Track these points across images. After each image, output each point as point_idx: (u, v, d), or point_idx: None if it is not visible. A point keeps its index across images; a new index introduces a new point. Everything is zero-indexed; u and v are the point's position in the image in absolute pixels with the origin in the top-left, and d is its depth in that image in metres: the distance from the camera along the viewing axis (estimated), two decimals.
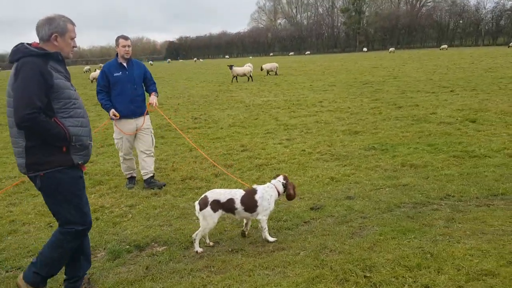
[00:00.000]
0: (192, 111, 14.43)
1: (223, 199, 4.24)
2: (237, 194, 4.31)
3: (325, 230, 4.59)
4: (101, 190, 6.29)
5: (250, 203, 4.29)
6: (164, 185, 6.36)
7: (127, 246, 4.42)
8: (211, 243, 4.42)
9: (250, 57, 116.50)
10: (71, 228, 3.30)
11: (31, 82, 2.96)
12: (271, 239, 4.41)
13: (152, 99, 6.37)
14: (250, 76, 26.38)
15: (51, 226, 5.02)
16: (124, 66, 6.26)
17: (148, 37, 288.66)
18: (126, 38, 6.28)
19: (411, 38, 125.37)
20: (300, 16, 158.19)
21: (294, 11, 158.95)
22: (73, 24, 3.30)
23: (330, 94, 16.92)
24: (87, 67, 57.87)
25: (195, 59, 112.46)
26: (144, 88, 6.50)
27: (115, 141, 6.45)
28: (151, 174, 6.42)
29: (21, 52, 3.07)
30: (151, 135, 6.51)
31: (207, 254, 4.20)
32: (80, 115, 3.30)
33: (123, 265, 4.07)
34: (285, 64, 50.04)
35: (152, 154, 6.50)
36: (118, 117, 6.11)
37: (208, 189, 5.07)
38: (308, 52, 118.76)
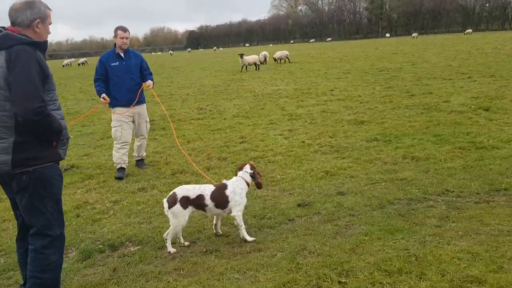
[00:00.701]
0: (200, 101, 14.23)
1: (192, 195, 4.01)
2: (206, 189, 4.08)
3: (308, 229, 4.32)
4: (89, 185, 6.14)
5: (221, 198, 4.06)
6: (147, 167, 6.89)
7: (100, 246, 4.25)
8: (186, 243, 4.21)
9: (270, 45, 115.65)
10: (51, 233, 2.99)
11: (32, 72, 2.73)
12: (249, 238, 4.17)
13: (148, 82, 6.51)
14: (258, 65, 26.23)
15: None
16: (122, 56, 6.42)
17: (170, 27, 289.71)
18: (124, 30, 6.40)
19: (436, 23, 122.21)
20: (321, 2, 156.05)
21: None
22: (50, 9, 3.06)
23: (343, 82, 16.48)
24: (67, 61, 55.81)
25: (214, 48, 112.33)
26: (141, 77, 6.61)
27: (113, 129, 6.50)
28: (140, 158, 6.95)
29: (11, 39, 2.78)
30: (146, 123, 6.82)
31: (180, 255, 3.99)
32: (60, 107, 3.10)
33: (92, 266, 3.90)
34: (304, 52, 49.42)
35: (145, 142, 6.94)
36: (107, 101, 6.24)
37: (197, 183, 4.95)
38: (329, 39, 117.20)
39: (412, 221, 4.29)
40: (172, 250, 4.04)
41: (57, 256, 3.05)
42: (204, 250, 4.04)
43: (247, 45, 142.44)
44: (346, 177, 5.79)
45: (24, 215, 2.97)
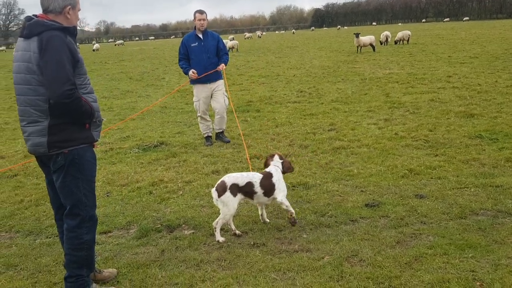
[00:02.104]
0: (303, 83, 13.97)
1: (241, 183, 3.96)
2: (255, 177, 4.04)
3: (368, 233, 3.95)
4: (170, 163, 6.38)
5: (268, 186, 4.05)
6: (229, 142, 7.33)
7: (159, 226, 4.38)
8: (237, 232, 4.13)
9: (399, 24, 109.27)
10: (82, 213, 3.10)
11: (63, 57, 2.84)
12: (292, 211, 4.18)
13: (221, 65, 7.09)
14: (374, 46, 24.51)
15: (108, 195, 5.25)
16: (200, 38, 7.06)
17: (296, 5, 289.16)
18: (201, 12, 7.03)
19: None
20: None
21: None
22: None
23: (467, 67, 14.86)
24: (96, 45, 55.83)
25: (338, 26, 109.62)
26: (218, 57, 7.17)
27: (194, 103, 7.32)
28: (221, 131, 7.47)
29: (42, 25, 2.89)
30: (224, 97, 7.28)
31: (227, 244, 3.93)
32: (93, 91, 3.22)
33: (145, 245, 4.03)
34: (433, 32, 45.82)
35: (225, 115, 7.36)
36: (196, 76, 6.89)
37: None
38: (467, 18, 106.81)
39: (492, 238, 3.68)
40: (221, 239, 4.00)
41: (90, 236, 3.16)
42: (252, 243, 3.93)
43: (374, 23, 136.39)
44: (431, 178, 5.19)
45: (60, 194, 3.12)
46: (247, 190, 3.98)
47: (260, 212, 4.32)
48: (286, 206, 4.14)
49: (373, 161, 5.93)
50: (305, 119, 8.74)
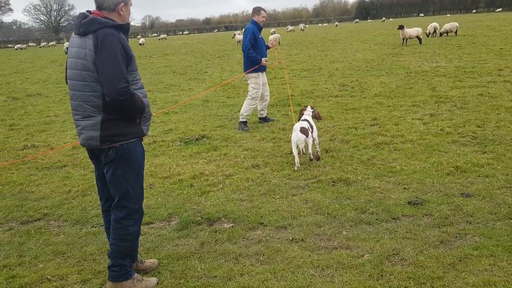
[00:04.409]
0: (346, 76, 13.74)
1: (307, 126, 5.77)
2: (304, 123, 5.84)
3: (410, 231, 3.86)
4: (211, 156, 6.46)
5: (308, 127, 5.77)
6: (273, 120, 8.46)
7: (199, 218, 4.45)
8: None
9: (448, 15, 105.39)
10: (130, 205, 3.19)
11: (118, 55, 2.90)
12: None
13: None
14: (420, 38, 23.62)
15: (150, 187, 5.38)
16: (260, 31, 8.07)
17: None
18: (265, 10, 8.07)
19: None
20: None
21: None
22: None
23: None
24: (142, 39, 56.77)
25: (383, 18, 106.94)
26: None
27: (255, 91, 7.96)
28: (265, 114, 8.49)
29: (97, 23, 2.94)
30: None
31: (266, 239, 3.95)
32: (143, 86, 3.29)
33: (185, 237, 4.11)
34: (484, 23, 43.84)
35: (268, 98, 8.50)
36: (268, 64, 8.00)
37: (305, 170, 5.56)
38: None
39: None
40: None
41: (135, 228, 3.26)
42: (291, 238, 3.92)
43: (421, 15, 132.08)
44: (479, 176, 4.99)
45: (109, 186, 3.22)
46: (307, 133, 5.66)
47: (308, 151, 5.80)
48: (317, 143, 5.97)
49: (417, 157, 5.77)
50: (347, 113, 8.61)
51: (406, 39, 23.76)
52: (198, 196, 5.05)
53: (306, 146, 5.82)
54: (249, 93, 8.06)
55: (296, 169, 5.60)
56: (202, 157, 6.44)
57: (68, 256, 3.89)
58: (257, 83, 7.92)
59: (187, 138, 7.39)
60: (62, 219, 4.71)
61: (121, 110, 3.01)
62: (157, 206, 4.81)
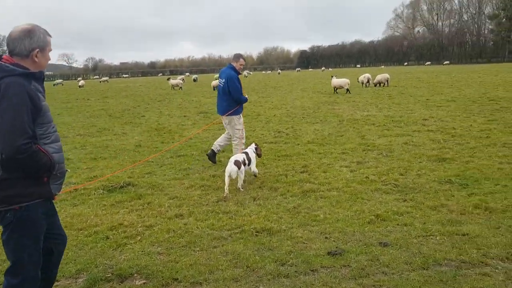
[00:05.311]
0: (282, 123, 14.00)
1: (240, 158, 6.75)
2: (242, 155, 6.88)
3: (326, 284, 3.79)
4: (134, 205, 6.17)
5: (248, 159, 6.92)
6: (215, 163, 8.61)
7: (109, 275, 4.14)
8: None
9: (382, 67, 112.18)
10: (26, 273, 2.88)
11: (21, 107, 2.64)
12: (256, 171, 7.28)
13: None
14: (347, 89, 25.11)
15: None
16: None
17: (283, 46, 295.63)
18: (244, 58, 8.43)
19: None
20: (442, 24, 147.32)
21: (435, 18, 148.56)
22: (50, 36, 2.97)
23: (443, 111, 15.10)
24: (81, 82, 57.56)
25: (323, 68, 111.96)
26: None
27: (240, 131, 8.26)
28: (217, 151, 8.71)
29: (2, 70, 2.70)
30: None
31: None
32: (58, 139, 3.00)
33: None
34: (414, 75, 47.03)
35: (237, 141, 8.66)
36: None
37: (230, 219, 5.48)
38: (447, 62, 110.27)
39: None
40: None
41: None
42: None
43: (358, 66, 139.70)
44: (397, 225, 5.08)
45: (3, 248, 2.91)
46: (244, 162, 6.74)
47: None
48: (254, 172, 7.18)
49: (342, 205, 5.82)
50: (279, 160, 8.66)
51: (336, 88, 25.12)
52: (113, 249, 4.74)
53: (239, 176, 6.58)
54: (235, 136, 8.31)
55: (224, 195, 6.31)
56: (124, 206, 6.14)
57: None
58: (241, 123, 8.29)
59: (111, 186, 7.05)
60: None
61: (21, 168, 2.73)
62: (66, 261, 4.44)
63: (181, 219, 5.59)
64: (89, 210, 6.03)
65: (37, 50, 2.85)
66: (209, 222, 5.39)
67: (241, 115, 8.34)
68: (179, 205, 6.09)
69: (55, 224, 3.23)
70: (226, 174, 6.47)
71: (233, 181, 6.74)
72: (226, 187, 6.42)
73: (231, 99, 8.09)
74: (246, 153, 7.00)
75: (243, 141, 8.32)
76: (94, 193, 6.77)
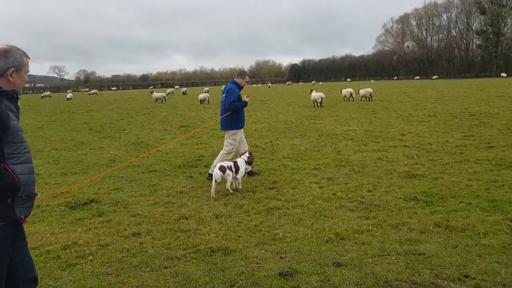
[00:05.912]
0: (262, 138, 13.96)
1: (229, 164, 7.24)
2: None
3: None
4: (93, 223, 6.04)
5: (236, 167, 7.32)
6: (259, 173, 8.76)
7: None
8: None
9: (372, 81, 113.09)
10: None
11: None
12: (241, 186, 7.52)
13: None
14: (320, 102, 26.38)
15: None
16: None
17: (274, 60, 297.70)
18: (249, 75, 8.75)
19: None
20: (431, 39, 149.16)
21: (424, 33, 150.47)
22: (28, 57, 2.97)
23: (423, 126, 15.16)
24: (69, 94, 58.13)
25: (313, 82, 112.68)
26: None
27: (231, 146, 8.43)
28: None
29: None
30: None
31: None
32: (30, 161, 2.89)
33: None
34: (402, 89, 47.43)
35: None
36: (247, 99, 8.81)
37: (194, 234, 5.41)
38: (436, 77, 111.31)
39: None
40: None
41: None
42: None
43: (348, 80, 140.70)
44: (356, 244, 5.01)
45: None
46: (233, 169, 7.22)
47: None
48: (238, 182, 7.43)
49: (303, 223, 5.75)
50: (250, 176, 8.59)
51: (316, 102, 26.18)
52: (61, 270, 4.61)
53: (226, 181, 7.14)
54: (225, 148, 8.47)
55: (211, 198, 6.97)
56: (83, 224, 6.02)
57: None
58: (235, 139, 8.41)
59: (74, 202, 6.92)
60: None
61: None
62: None
63: (138, 237, 5.48)
64: (47, 228, 5.90)
65: (12, 69, 2.85)
66: (165, 241, 5.28)
67: (238, 131, 8.48)
68: (139, 223, 5.98)
69: (21, 250, 3.09)
70: (213, 179, 7.04)
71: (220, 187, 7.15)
72: (212, 190, 7.05)
73: (231, 113, 8.30)
74: (235, 162, 7.37)
75: (230, 156, 8.40)
76: (56, 210, 6.64)
